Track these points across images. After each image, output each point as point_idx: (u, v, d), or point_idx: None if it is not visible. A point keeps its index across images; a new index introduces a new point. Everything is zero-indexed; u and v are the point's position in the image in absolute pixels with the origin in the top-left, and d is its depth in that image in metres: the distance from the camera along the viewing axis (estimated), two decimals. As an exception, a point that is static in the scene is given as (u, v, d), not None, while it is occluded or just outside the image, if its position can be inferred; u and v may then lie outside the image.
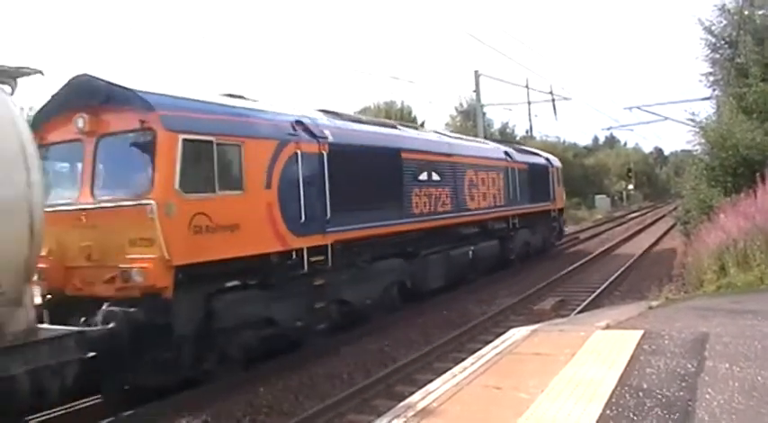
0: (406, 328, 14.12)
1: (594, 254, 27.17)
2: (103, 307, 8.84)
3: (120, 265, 9.08)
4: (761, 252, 12.84)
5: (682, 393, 6.35)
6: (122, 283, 9.04)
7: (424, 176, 16.26)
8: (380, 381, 10.38)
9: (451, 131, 42.90)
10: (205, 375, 10.03)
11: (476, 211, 19.19)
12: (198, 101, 10.48)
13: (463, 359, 8.86)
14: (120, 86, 9.74)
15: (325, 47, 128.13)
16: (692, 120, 23.55)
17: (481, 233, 19.76)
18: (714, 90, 27.71)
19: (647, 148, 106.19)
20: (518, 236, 22.90)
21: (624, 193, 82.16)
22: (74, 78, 9.94)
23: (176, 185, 9.33)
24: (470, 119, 49.85)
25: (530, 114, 37.25)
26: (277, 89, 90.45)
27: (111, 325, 8.65)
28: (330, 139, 12.64)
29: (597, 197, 70.95)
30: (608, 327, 9.71)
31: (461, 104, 59.02)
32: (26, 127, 7.57)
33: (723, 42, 24.80)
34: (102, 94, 9.77)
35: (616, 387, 6.67)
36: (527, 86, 35.43)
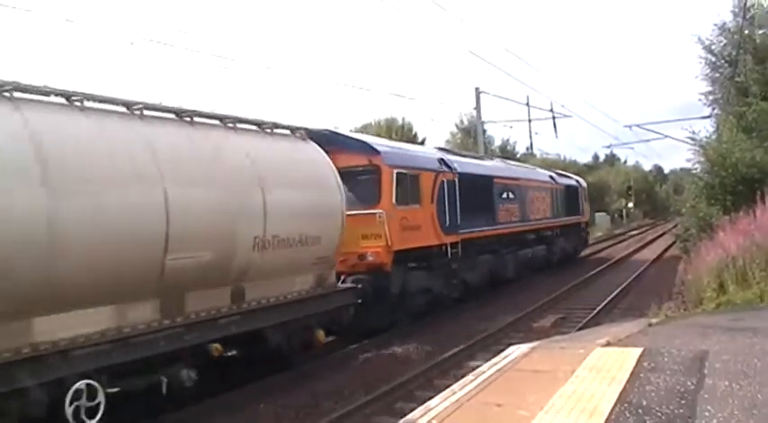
0: (406, 344, 14.11)
1: (595, 271, 27.27)
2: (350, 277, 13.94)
3: (359, 251, 14.23)
4: (760, 270, 12.87)
5: (681, 411, 6.37)
6: (358, 261, 14.22)
7: (504, 195, 22.18)
8: (381, 397, 10.37)
9: (451, 148, 43.22)
10: (398, 321, 15.21)
11: (534, 222, 24.95)
12: (399, 147, 18.23)
13: (463, 376, 8.87)
14: (354, 138, 16.24)
15: (326, 63, 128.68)
16: (692, 138, 23.66)
17: (536, 239, 25.37)
18: (714, 109, 27.85)
19: (647, 166, 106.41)
20: (558, 242, 28.51)
21: (624, 210, 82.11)
22: (321, 131, 14.34)
23: (393, 200, 14.88)
24: (471, 136, 49.91)
25: (530, 132, 37.19)
26: (278, 104, 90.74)
27: (359, 285, 13.75)
28: (458, 169, 18.29)
29: (597, 215, 70.91)
30: (608, 344, 9.72)
31: (462, 121, 59.19)
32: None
33: (723, 61, 24.94)
34: (341, 142, 14.92)
35: (616, 404, 6.68)
36: (528, 104, 35.41)
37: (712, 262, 14.53)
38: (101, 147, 8.27)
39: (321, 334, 12.30)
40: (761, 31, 22.71)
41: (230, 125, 10.87)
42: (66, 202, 7.49)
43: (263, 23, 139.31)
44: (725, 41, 24.52)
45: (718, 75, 25.79)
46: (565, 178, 32.62)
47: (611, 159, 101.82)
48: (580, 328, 14.90)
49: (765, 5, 22.61)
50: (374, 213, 14.34)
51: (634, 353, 8.82)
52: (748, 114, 20.18)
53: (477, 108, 34.95)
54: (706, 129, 26.51)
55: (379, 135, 37.20)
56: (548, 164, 50.60)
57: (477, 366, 9.63)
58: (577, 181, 34.72)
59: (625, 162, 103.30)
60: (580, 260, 32.49)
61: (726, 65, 24.77)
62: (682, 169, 35.27)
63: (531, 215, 24.59)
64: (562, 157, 74.04)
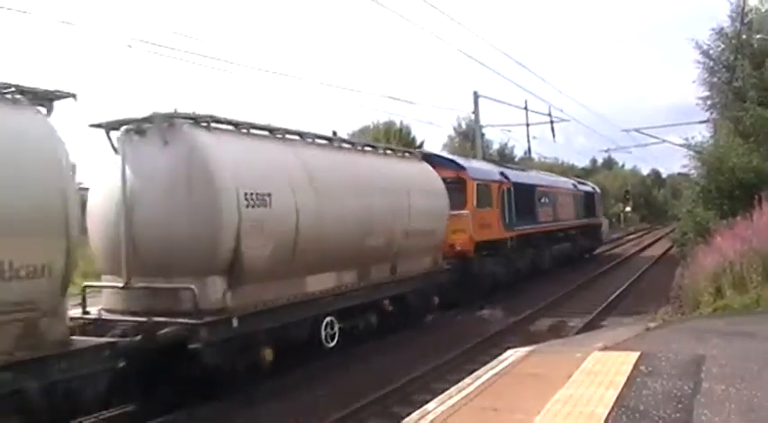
0: (404, 348, 14.11)
1: (593, 275, 27.49)
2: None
3: (450, 242, 18.56)
4: (757, 274, 12.87)
5: (678, 415, 6.37)
6: (450, 249, 18.54)
7: (543, 200, 27.49)
8: (378, 401, 10.38)
9: (449, 152, 43.51)
10: (476, 295, 19.55)
11: (562, 222, 29.94)
12: (477, 164, 23.82)
13: (460, 380, 8.87)
14: (446, 158, 21.51)
15: (325, 66, 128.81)
16: (688, 144, 23.71)
17: (564, 237, 30.48)
18: (711, 113, 27.83)
19: (645, 171, 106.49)
20: (580, 240, 33.66)
21: (621, 214, 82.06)
22: (422, 151, 20.59)
23: (474, 204, 20.03)
24: (469, 139, 49.92)
25: (528, 136, 37.33)
26: (276, 107, 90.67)
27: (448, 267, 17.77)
28: (512, 180, 23.52)
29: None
30: (605, 348, 9.72)
31: (460, 125, 59.15)
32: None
33: (721, 66, 24.96)
34: (437, 160, 19.42)
35: (613, 408, 6.68)
36: (526, 108, 35.53)
37: (710, 266, 14.53)
38: (337, 169, 13.19)
39: (436, 299, 16.98)
40: (758, 36, 22.72)
41: (381, 152, 16.06)
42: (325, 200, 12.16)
43: (260, 27, 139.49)
44: (722, 46, 24.53)
45: (715, 79, 25.79)
46: (584, 185, 38.67)
47: (609, 163, 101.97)
48: (577, 332, 14.92)
49: (763, 10, 22.67)
50: (462, 213, 19.13)
51: (631, 357, 8.82)
52: (745, 119, 20.17)
53: (476, 112, 34.98)
54: (702, 134, 26.48)
55: (377, 139, 37.27)
56: (545, 168, 50.65)
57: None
58: (593, 188, 40.87)
59: (623, 166, 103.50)
60: (575, 267, 32.60)
61: (723, 69, 24.79)
62: (679, 174, 35.34)
63: (560, 216, 29.73)
64: (560, 161, 74.04)
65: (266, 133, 12.09)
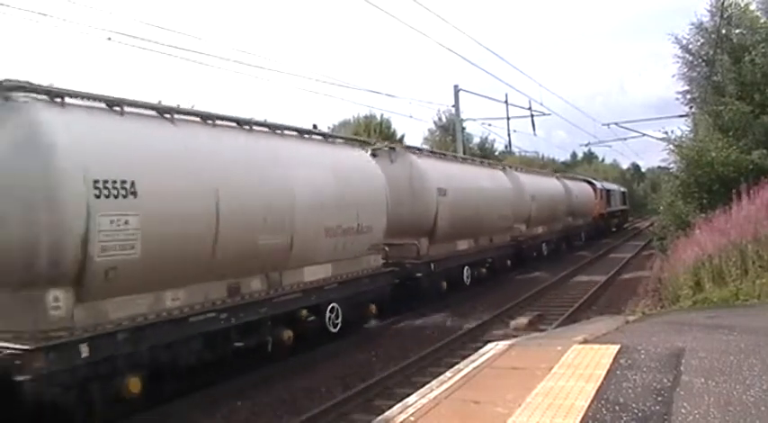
0: (384, 341, 14.09)
1: (576, 266, 27.61)
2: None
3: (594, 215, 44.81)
4: (736, 268, 12.98)
5: (658, 408, 6.39)
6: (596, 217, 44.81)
7: (611, 196, 52.11)
8: (359, 394, 10.36)
9: (430, 146, 43.93)
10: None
11: (614, 208, 53.48)
12: (600, 181, 51.88)
13: (441, 373, 8.87)
14: (583, 178, 47.04)
15: (304, 59, 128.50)
16: (668, 138, 23.82)
17: (615, 215, 55.41)
18: (691, 107, 27.98)
19: (625, 165, 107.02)
20: (620, 217, 57.76)
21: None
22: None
23: (600, 199, 46.02)
24: (449, 133, 49.91)
25: (509, 129, 37.26)
26: (257, 101, 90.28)
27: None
28: (602, 188, 48.57)
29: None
30: (585, 341, 9.76)
31: (440, 119, 59.09)
32: None
33: (700, 60, 25.06)
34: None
35: (593, 401, 6.70)
36: (506, 102, 35.44)
37: (689, 260, 14.62)
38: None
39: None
40: (737, 31, 22.82)
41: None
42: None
43: (238, 19, 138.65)
44: (702, 41, 24.63)
45: (695, 74, 25.91)
46: (617, 186, 62.47)
47: (590, 157, 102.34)
48: (557, 326, 14.96)
49: (742, 5, 22.79)
50: (595, 201, 43.30)
51: (611, 350, 8.87)
52: (724, 113, 20.27)
53: (456, 106, 34.91)
54: (681, 128, 26.63)
55: (357, 133, 37.14)
56: (525, 162, 50.85)
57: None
58: (621, 188, 63.66)
59: (603, 160, 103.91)
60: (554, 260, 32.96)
61: (703, 64, 24.90)
62: (659, 167, 35.65)
63: (613, 206, 52.69)
64: (540, 155, 74.29)
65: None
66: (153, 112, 9.75)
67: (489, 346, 10.13)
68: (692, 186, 20.17)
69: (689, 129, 27.22)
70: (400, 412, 6.89)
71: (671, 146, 23.31)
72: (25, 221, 7.82)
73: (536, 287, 21.90)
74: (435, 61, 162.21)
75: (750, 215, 13.90)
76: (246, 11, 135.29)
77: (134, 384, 8.66)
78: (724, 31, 22.79)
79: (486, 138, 62.06)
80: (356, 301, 14.14)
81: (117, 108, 9.13)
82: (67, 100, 8.55)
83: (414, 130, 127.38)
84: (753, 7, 23.08)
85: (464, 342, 14.05)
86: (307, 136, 13.83)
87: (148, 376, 8.99)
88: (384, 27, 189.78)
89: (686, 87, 27.07)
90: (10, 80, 8.18)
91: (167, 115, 9.91)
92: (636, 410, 6.34)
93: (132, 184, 8.49)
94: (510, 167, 28.93)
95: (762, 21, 22.33)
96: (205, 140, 10.29)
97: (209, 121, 10.75)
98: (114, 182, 8.30)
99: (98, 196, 8.11)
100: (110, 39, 15.48)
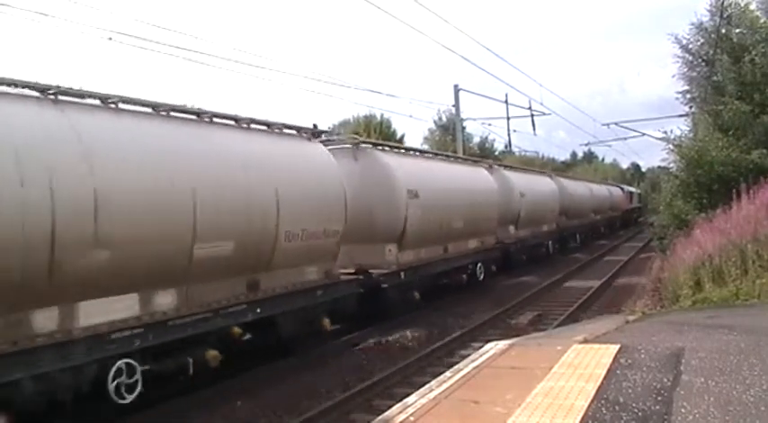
0: (384, 342, 14.07)
1: (574, 267, 27.65)
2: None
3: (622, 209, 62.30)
4: (736, 268, 12.96)
5: (657, 407, 6.39)
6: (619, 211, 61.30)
7: (632, 196, 69.65)
8: (359, 394, 10.36)
9: (430, 146, 44.13)
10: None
11: (630, 206, 67.29)
12: (626, 186, 71.05)
13: (441, 373, 8.86)
14: (618, 186, 66.20)
15: (304, 58, 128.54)
16: (667, 138, 23.83)
17: (630, 213, 67.74)
18: (691, 107, 27.98)
19: (625, 164, 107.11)
20: (633, 214, 68.01)
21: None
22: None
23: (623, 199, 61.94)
24: (450, 133, 49.86)
25: (509, 129, 37.20)
26: (257, 100, 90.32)
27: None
28: (629, 191, 67.87)
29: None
30: (585, 341, 9.75)
31: (441, 118, 59.04)
32: None
33: (700, 60, 25.04)
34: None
35: (593, 401, 6.70)
36: (506, 101, 35.38)
37: (689, 260, 14.61)
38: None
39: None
40: (737, 31, 22.79)
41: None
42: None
43: (239, 19, 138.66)
44: (702, 40, 24.60)
45: (695, 74, 25.89)
46: (631, 187, 72.14)
47: (590, 157, 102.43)
48: (558, 325, 14.95)
49: (742, 5, 22.77)
50: (625, 200, 61.63)
51: (611, 350, 8.86)
52: (724, 113, 20.26)
53: (456, 106, 34.85)
54: (680, 128, 26.62)
55: (357, 132, 37.10)
56: (525, 161, 50.87)
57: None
58: (638, 190, 75.00)
59: (603, 160, 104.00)
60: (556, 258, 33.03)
61: (703, 64, 24.87)
62: (659, 167, 35.69)
63: (634, 203, 67.04)
64: (540, 155, 74.35)
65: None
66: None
67: (489, 345, 10.12)
68: (692, 186, 20.16)
69: (689, 128, 27.24)
70: (400, 412, 6.88)
71: (671, 145, 23.34)
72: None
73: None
74: (435, 61, 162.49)
75: (750, 215, 13.89)
76: (246, 11, 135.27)
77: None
78: (724, 31, 22.75)
79: (487, 137, 62.14)
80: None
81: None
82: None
83: (414, 130, 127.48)
84: (753, 7, 23.03)
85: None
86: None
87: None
88: (384, 27, 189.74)
89: (686, 87, 27.07)
90: None
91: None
92: (636, 410, 6.33)
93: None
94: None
95: (762, 21, 22.28)
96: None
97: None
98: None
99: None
100: (111, 39, 15.49)
